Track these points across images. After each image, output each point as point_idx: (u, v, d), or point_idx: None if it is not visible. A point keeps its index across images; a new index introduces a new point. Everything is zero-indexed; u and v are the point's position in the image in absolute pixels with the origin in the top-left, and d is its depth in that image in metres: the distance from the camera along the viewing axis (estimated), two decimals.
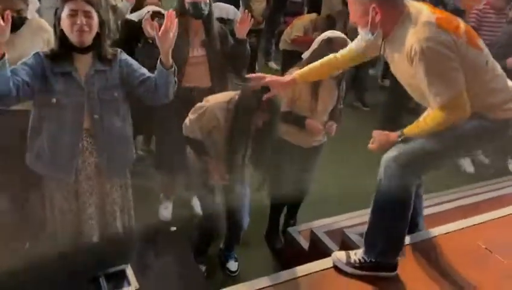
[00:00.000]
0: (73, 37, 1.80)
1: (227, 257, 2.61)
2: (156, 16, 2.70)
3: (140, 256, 1.97)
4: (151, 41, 2.42)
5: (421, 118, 1.75)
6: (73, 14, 1.77)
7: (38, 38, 2.21)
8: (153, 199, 3.02)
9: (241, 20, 2.52)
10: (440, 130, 1.66)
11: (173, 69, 1.87)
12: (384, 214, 1.79)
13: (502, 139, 1.80)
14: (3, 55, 1.63)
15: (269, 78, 1.95)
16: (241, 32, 2.53)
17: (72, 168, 1.91)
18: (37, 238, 2.34)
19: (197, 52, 2.54)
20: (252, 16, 4.98)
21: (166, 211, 2.94)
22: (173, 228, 2.79)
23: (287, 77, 2.01)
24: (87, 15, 1.79)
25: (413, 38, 1.57)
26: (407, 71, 1.65)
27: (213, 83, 2.57)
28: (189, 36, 2.52)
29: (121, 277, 1.84)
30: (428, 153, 1.72)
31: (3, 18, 1.67)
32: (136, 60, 2.04)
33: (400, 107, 4.10)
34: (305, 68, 2.02)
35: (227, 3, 3.67)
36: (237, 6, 4.49)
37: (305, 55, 2.43)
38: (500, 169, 4.01)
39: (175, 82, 1.92)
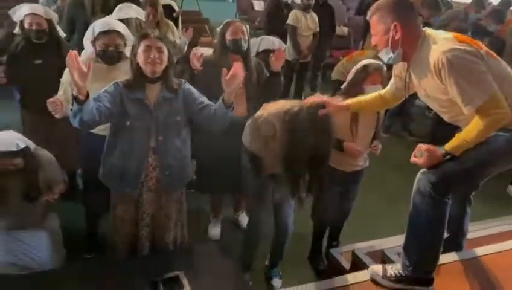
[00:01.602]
0: (146, 69, 2.10)
1: (271, 274, 2.75)
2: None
3: (191, 266, 2.17)
4: (196, 72, 2.74)
5: (462, 132, 1.73)
6: (147, 50, 2.09)
7: None
8: (203, 219, 3.25)
9: (276, 56, 2.77)
10: (475, 146, 1.66)
11: (232, 107, 2.15)
12: (419, 228, 1.86)
13: None
14: (87, 95, 1.92)
15: (327, 98, 2.12)
16: (276, 65, 2.77)
17: (138, 183, 2.21)
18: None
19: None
20: (299, 50, 5.31)
21: (215, 230, 3.16)
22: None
23: (342, 103, 2.16)
24: (159, 50, 2.10)
25: (436, 53, 1.65)
26: (438, 88, 1.71)
27: (250, 113, 2.75)
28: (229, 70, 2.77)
29: (175, 281, 2.04)
30: (461, 172, 1.75)
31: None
32: None
33: (446, 136, 4.13)
34: (357, 99, 2.18)
35: (276, 37, 3.93)
36: (284, 41, 4.76)
37: (344, 85, 2.61)
38: None
39: (231, 115, 2.19)
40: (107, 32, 2.45)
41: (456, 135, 1.74)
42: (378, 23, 1.81)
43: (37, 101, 2.53)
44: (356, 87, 2.43)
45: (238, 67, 2.08)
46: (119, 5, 3.16)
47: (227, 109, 2.14)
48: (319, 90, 6.27)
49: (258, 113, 2.35)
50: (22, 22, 2.89)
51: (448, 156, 1.76)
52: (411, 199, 1.89)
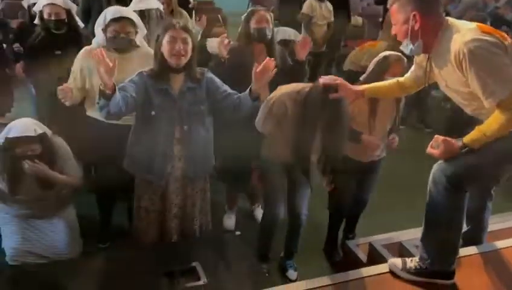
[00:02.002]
0: (171, 60, 2.09)
1: (287, 265, 2.72)
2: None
3: (208, 256, 2.17)
4: (223, 60, 2.70)
5: (483, 124, 1.67)
6: (172, 41, 2.07)
7: (146, 64, 2.40)
8: (219, 210, 3.24)
9: (302, 44, 2.73)
10: (493, 141, 1.62)
11: (259, 99, 2.13)
12: (436, 222, 1.83)
13: None
14: (115, 90, 1.91)
15: (340, 80, 2.04)
16: (301, 54, 2.73)
17: (164, 173, 2.20)
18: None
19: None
20: (314, 40, 5.25)
21: (229, 221, 3.14)
22: (238, 233, 2.99)
23: (356, 86, 2.10)
24: (184, 41, 2.08)
25: (458, 43, 1.60)
26: (459, 80, 1.66)
27: None
28: (254, 57, 2.71)
29: (192, 272, 2.04)
30: (477, 167, 1.70)
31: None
32: None
33: (463, 128, 4.06)
34: (373, 84, 2.13)
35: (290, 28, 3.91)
36: (299, 31, 4.71)
37: (363, 77, 2.56)
38: None
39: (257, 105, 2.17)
40: (119, 20, 2.43)
41: (476, 127, 1.68)
42: (398, 11, 1.75)
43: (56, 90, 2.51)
44: (377, 79, 2.37)
45: (269, 62, 2.05)
46: None
47: (253, 101, 2.13)
48: None
49: (272, 94, 2.36)
50: (41, 12, 2.90)
51: (465, 149, 1.70)
52: (427, 190, 1.85)
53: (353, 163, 2.60)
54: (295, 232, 2.63)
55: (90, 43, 2.61)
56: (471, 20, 4.64)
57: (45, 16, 2.86)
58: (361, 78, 2.59)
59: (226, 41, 2.66)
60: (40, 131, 2.24)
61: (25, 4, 3.59)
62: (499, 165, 1.76)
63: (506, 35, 1.68)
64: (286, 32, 3.48)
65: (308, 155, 2.27)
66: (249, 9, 2.79)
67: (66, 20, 2.90)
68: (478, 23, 1.69)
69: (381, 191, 2.92)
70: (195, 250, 2.26)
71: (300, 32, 4.72)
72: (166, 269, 2.04)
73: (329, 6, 5.29)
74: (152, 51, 2.43)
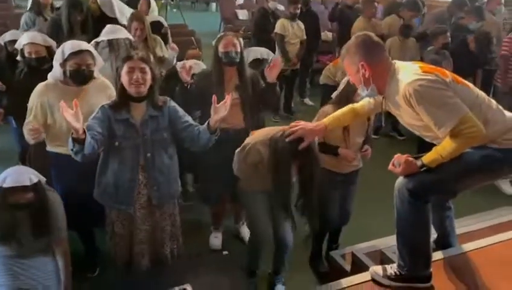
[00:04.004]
0: (131, 89, 2.17)
1: (275, 280, 2.80)
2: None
3: (197, 276, 2.23)
4: (186, 85, 2.84)
5: (439, 145, 1.83)
6: (131, 71, 2.16)
7: (103, 94, 2.52)
8: (204, 230, 3.30)
9: (272, 66, 2.84)
10: (451, 159, 1.77)
11: (217, 133, 2.23)
12: (404, 231, 1.97)
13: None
14: (85, 132, 1.98)
15: (301, 127, 2.20)
16: (271, 76, 2.82)
17: (132, 200, 2.28)
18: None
19: (232, 96, 2.83)
20: (288, 58, 5.42)
21: (216, 240, 3.20)
22: (225, 252, 3.05)
23: (318, 126, 2.26)
24: (142, 71, 2.17)
25: (404, 84, 1.77)
26: (412, 116, 1.84)
27: (246, 124, 2.85)
28: (224, 82, 2.83)
29: None
30: (436, 181, 1.86)
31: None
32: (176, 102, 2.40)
33: None
34: (331, 116, 2.29)
35: (264, 47, 4.02)
36: (273, 50, 4.85)
37: (335, 94, 2.71)
38: None
39: (214, 140, 2.27)
40: (79, 53, 2.46)
41: (434, 148, 1.84)
42: (349, 64, 1.96)
43: None
44: (348, 98, 2.52)
45: (229, 100, 2.18)
46: (107, 29, 3.21)
47: (211, 135, 2.23)
48: (308, 96, 6.40)
49: (245, 141, 2.50)
50: (22, 50, 2.96)
51: (424, 168, 1.86)
52: (394, 203, 1.99)
53: (335, 175, 2.76)
54: (281, 254, 2.71)
55: None
56: (432, 32, 4.88)
57: (26, 54, 2.92)
58: (332, 96, 2.74)
59: (187, 66, 2.78)
60: (35, 180, 2.24)
61: (1, 41, 3.63)
62: (457, 181, 1.92)
63: (446, 72, 1.87)
64: (258, 52, 3.57)
65: (287, 194, 2.40)
66: (218, 35, 2.91)
67: (47, 56, 2.95)
68: (421, 64, 1.88)
69: (360, 199, 3.03)
70: (185, 271, 2.32)
71: (273, 51, 4.87)
72: None
73: (301, 24, 5.45)
74: (107, 81, 2.52)
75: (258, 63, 3.47)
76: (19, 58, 3.06)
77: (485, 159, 1.82)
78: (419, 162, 1.87)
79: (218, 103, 2.21)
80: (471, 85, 1.91)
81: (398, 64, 1.91)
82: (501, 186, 4.13)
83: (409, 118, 1.89)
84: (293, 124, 2.29)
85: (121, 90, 2.21)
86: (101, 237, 2.81)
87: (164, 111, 2.28)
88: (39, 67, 2.93)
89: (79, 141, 1.97)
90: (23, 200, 2.22)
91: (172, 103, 2.34)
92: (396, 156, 1.94)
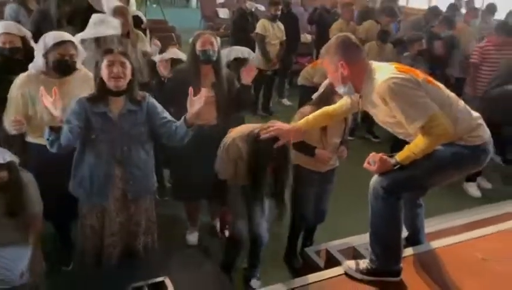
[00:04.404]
0: (110, 83, 2.17)
1: (250, 275, 2.85)
2: (175, 60, 3.14)
3: (173, 270, 2.25)
4: (163, 79, 2.88)
5: (411, 143, 1.95)
6: (110, 65, 2.16)
7: (86, 85, 2.48)
8: (181, 226, 3.32)
9: (247, 69, 2.90)
10: (423, 156, 1.88)
11: (193, 128, 2.25)
12: (377, 227, 2.06)
13: (478, 165, 2.03)
14: (61, 127, 2.00)
15: (277, 128, 2.28)
16: (247, 79, 2.88)
17: (107, 193, 2.28)
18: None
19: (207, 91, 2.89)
20: (269, 58, 5.49)
21: (192, 236, 3.23)
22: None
23: (294, 127, 2.35)
24: (122, 65, 2.18)
25: (380, 82, 1.88)
26: (386, 113, 1.94)
27: (218, 121, 2.89)
28: (200, 79, 2.85)
29: (161, 287, 2.11)
30: (409, 178, 1.97)
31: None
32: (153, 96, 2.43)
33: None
34: (306, 119, 2.37)
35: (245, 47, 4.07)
36: (251, 48, 4.89)
37: (315, 96, 2.77)
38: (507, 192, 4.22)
39: (191, 134, 2.29)
40: (61, 43, 2.45)
41: (406, 146, 1.95)
42: (328, 62, 2.06)
43: None
44: (328, 100, 2.59)
45: (205, 93, 2.21)
46: (93, 20, 3.17)
47: (187, 129, 2.24)
48: (286, 96, 6.49)
49: (225, 138, 2.56)
50: None
51: (398, 165, 1.96)
52: (368, 201, 2.07)
53: (312, 174, 2.82)
54: (257, 249, 2.77)
55: None
56: (408, 39, 5.05)
57: (0, 44, 2.87)
58: (313, 97, 2.80)
59: (165, 60, 2.83)
60: (8, 159, 2.23)
61: None
62: (428, 177, 2.04)
63: (419, 73, 1.98)
64: (239, 51, 3.61)
65: (262, 188, 2.47)
66: (195, 33, 2.94)
67: (22, 47, 2.90)
68: (396, 64, 1.99)
69: (334, 197, 3.11)
70: (160, 266, 2.33)
71: (253, 50, 4.92)
72: (134, 284, 2.09)
73: (281, 26, 5.53)
74: (90, 73, 2.50)
75: (240, 62, 3.50)
76: None
77: (455, 156, 1.94)
78: (393, 160, 1.97)
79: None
80: (442, 86, 2.02)
81: (375, 64, 2.01)
82: (468, 189, 4.30)
83: (383, 115, 1.99)
84: (269, 122, 2.36)
85: (100, 83, 2.20)
86: (76, 231, 2.81)
87: (143, 106, 2.28)
88: (12, 57, 2.88)
89: (55, 130, 1.99)
90: None
91: (151, 99, 2.34)
92: (371, 154, 2.03)
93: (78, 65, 2.57)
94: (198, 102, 2.20)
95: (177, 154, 2.90)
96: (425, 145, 1.87)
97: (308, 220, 3.01)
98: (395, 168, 1.97)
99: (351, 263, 2.16)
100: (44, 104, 1.96)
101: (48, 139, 2.06)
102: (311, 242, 3.17)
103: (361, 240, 2.75)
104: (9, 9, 4.36)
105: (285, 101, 6.42)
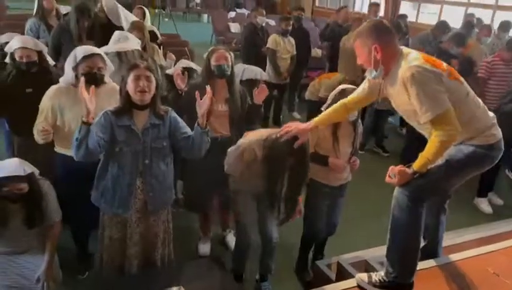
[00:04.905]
0: (136, 96, 2.24)
1: (262, 287, 2.87)
2: (187, 70, 3.21)
3: (186, 280, 2.29)
4: (180, 92, 2.96)
5: (424, 150, 1.98)
6: (137, 79, 2.23)
7: (113, 99, 2.52)
8: (193, 237, 3.36)
9: (260, 91, 3.01)
10: (440, 158, 1.94)
11: (207, 129, 2.30)
12: (398, 237, 2.08)
13: (492, 162, 2.07)
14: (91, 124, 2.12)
15: (295, 127, 2.35)
16: (258, 99, 3.01)
17: (129, 204, 2.33)
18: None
19: (221, 107, 2.94)
20: (279, 72, 5.57)
21: (204, 247, 3.26)
22: None
23: (309, 124, 2.40)
24: (148, 79, 2.25)
25: (405, 69, 1.93)
26: (405, 100, 1.99)
27: (231, 133, 2.97)
28: (215, 93, 2.88)
29: None
30: (430, 182, 2.01)
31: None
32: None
33: (416, 151, 4.41)
34: (322, 115, 2.43)
35: (256, 63, 4.14)
36: (262, 64, 4.95)
37: (324, 107, 2.82)
38: None
39: (208, 141, 2.34)
40: (90, 56, 2.54)
41: (420, 154, 1.99)
42: (361, 46, 2.09)
43: (28, 126, 2.62)
44: None
45: (209, 92, 2.26)
46: (117, 36, 3.27)
47: (202, 131, 2.29)
48: (296, 110, 6.55)
49: (240, 141, 2.61)
50: (12, 53, 2.98)
51: (417, 174, 2.01)
52: (391, 212, 2.11)
53: (325, 188, 2.86)
54: (268, 255, 2.80)
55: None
56: None
57: (17, 58, 2.94)
58: (322, 109, 2.85)
59: (180, 72, 2.90)
60: (28, 171, 2.29)
61: None
62: (447, 179, 2.09)
63: (444, 66, 2.02)
64: (253, 72, 3.66)
65: (277, 192, 2.52)
66: (210, 49, 3.03)
67: (37, 61, 2.98)
68: (423, 54, 2.03)
69: (344, 211, 3.13)
70: (174, 276, 2.38)
71: (263, 65, 5.00)
72: None
73: (292, 40, 5.61)
74: (118, 87, 2.55)
75: (252, 82, 3.55)
76: (7, 60, 3.05)
77: (470, 155, 1.99)
78: (411, 170, 2.01)
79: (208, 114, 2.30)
80: (464, 82, 2.06)
81: (405, 50, 2.05)
82: (479, 205, 4.30)
83: (401, 100, 2.03)
84: (285, 125, 2.42)
85: (126, 97, 2.27)
86: (93, 241, 2.86)
87: (165, 120, 2.34)
88: (28, 70, 2.96)
89: (86, 124, 2.10)
90: (17, 191, 2.26)
91: (174, 114, 2.40)
92: (390, 168, 2.07)
93: (106, 78, 2.66)
94: (207, 101, 2.25)
95: (190, 166, 2.96)
96: (437, 148, 1.91)
97: (318, 233, 3.04)
98: (415, 177, 2.01)
99: (363, 276, 2.18)
100: (82, 95, 2.09)
101: (76, 139, 2.13)
102: (322, 255, 3.19)
103: (373, 253, 2.77)
104: (30, 23, 4.47)
105: (295, 115, 6.47)
